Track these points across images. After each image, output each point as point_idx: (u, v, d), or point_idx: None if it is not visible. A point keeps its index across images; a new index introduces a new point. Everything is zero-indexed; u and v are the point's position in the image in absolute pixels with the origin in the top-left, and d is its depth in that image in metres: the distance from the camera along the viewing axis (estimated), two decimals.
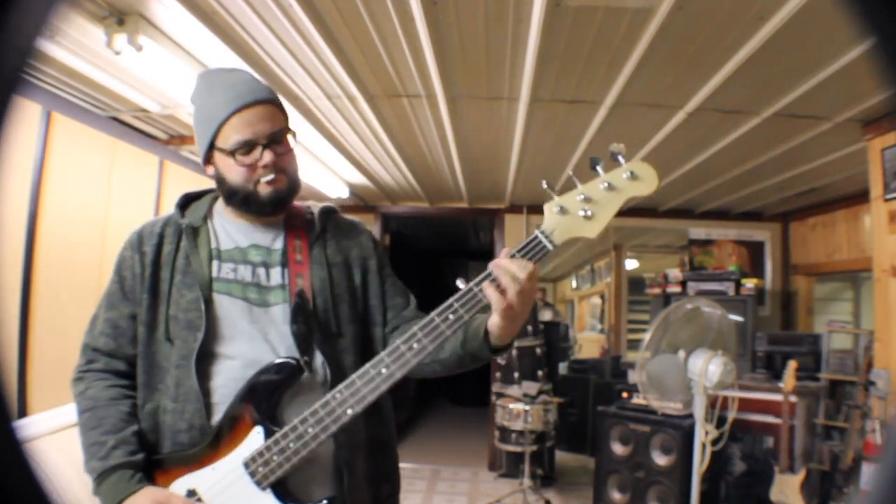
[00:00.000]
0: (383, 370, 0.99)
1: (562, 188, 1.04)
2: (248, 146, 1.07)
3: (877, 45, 0.36)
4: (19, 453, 0.38)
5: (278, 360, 1.06)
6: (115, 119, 2.95)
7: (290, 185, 1.13)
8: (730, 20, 1.89)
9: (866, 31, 0.37)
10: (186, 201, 1.21)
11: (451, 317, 0.99)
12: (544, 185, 1.05)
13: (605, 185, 1.01)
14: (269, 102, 1.11)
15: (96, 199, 2.74)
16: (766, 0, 1.76)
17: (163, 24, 1.99)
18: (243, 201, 1.11)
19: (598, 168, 1.02)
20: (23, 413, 2.19)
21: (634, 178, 1.01)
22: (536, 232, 1.02)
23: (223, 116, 1.07)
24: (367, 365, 1.00)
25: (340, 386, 1.00)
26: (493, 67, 2.32)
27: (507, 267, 0.97)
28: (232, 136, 1.06)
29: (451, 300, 1.00)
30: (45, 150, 2.38)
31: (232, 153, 1.07)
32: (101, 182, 2.78)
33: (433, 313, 1.00)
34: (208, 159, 1.13)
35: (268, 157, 1.07)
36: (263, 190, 1.09)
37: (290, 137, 1.12)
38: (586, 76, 2.37)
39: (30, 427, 1.93)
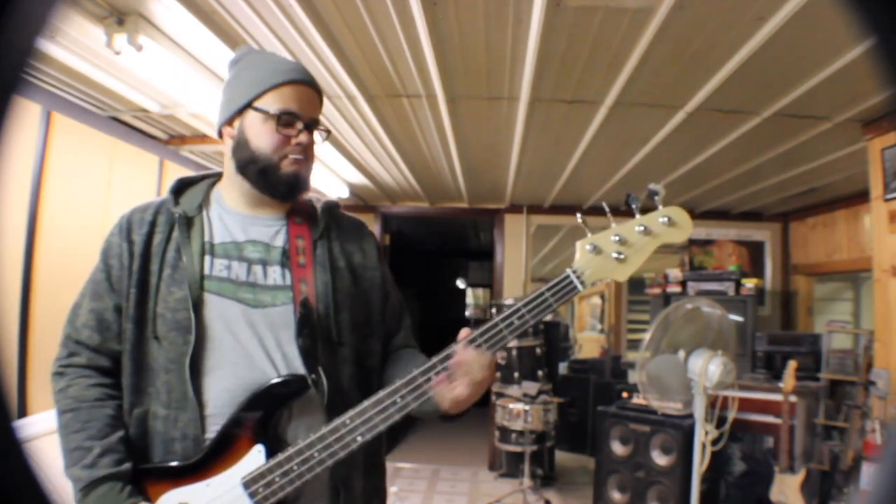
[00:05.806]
0: (398, 399, 0.97)
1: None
2: (292, 118, 1.05)
3: (877, 45, 0.36)
4: (19, 453, 0.38)
5: (284, 377, 1.01)
6: (115, 119, 2.95)
7: (308, 175, 1.10)
8: (730, 20, 1.89)
9: (866, 31, 0.37)
10: (181, 186, 1.13)
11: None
12: (579, 219, 1.02)
13: (642, 228, 0.98)
14: (319, 93, 1.11)
15: (96, 199, 2.74)
16: (766, 0, 1.77)
17: (163, 24, 1.98)
18: (260, 172, 1.05)
19: (634, 207, 0.98)
20: (22, 413, 2.19)
21: (671, 224, 0.97)
22: (568, 271, 0.98)
23: (277, 81, 1.05)
24: (382, 393, 0.97)
25: (352, 412, 0.96)
26: (493, 67, 2.32)
27: (465, 360, 0.96)
28: (278, 102, 1.04)
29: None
30: (45, 150, 2.38)
31: (276, 117, 1.04)
32: (101, 182, 2.78)
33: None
34: (231, 121, 1.08)
35: (305, 137, 1.06)
36: (287, 167, 1.06)
37: (319, 133, 1.10)
38: (586, 76, 2.37)
39: (29, 427, 1.93)
